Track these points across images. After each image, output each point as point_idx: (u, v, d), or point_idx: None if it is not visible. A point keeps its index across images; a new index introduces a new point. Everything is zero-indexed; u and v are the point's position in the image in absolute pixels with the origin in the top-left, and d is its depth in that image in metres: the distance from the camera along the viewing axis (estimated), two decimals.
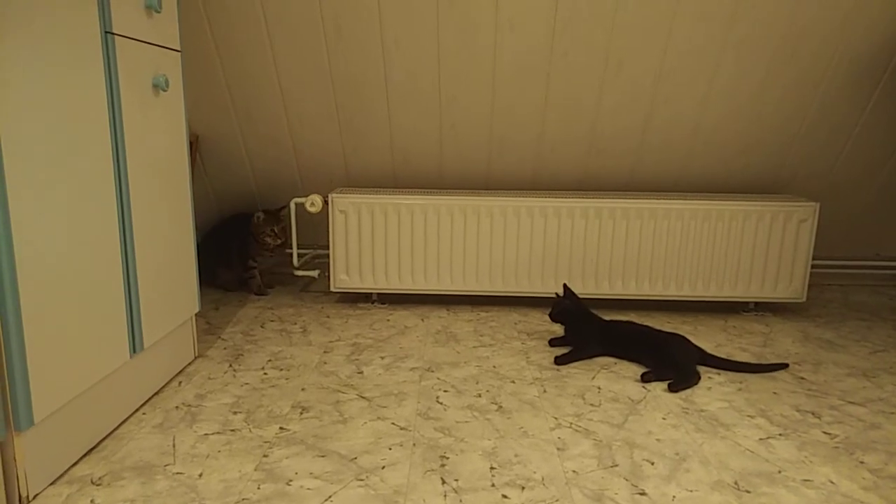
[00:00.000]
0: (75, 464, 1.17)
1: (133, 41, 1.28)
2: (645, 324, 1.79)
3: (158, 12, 1.37)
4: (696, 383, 1.55)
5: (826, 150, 2.21)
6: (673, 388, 1.51)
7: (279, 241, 2.25)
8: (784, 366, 1.67)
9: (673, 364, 1.59)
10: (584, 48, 1.93)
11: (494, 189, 2.33)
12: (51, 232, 1.06)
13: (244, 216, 2.34)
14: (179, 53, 1.49)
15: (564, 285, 1.86)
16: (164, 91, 1.42)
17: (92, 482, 1.12)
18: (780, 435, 1.31)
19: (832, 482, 1.14)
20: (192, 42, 1.97)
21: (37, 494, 1.07)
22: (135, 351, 1.34)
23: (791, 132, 2.15)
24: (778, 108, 2.08)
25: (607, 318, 1.85)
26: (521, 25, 1.88)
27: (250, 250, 2.28)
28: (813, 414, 1.41)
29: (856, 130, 2.14)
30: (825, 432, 1.33)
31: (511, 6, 1.84)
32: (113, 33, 1.21)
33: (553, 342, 1.82)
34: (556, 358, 1.68)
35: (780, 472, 1.17)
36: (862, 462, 1.21)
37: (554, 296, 1.88)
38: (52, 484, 1.11)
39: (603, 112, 2.09)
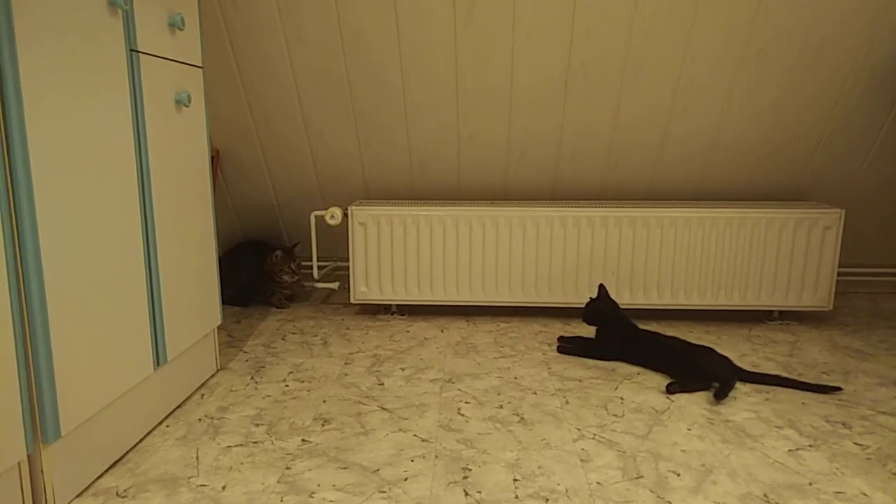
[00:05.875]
0: (101, 476, 1.18)
1: (157, 58, 1.31)
2: (669, 334, 1.77)
3: (181, 30, 1.39)
4: (730, 390, 1.52)
5: (850, 157, 2.17)
6: (718, 397, 1.48)
7: (296, 278, 2.27)
8: (837, 388, 1.55)
9: (700, 375, 1.57)
10: (602, 58, 1.92)
11: (513, 199, 2.32)
12: (77, 246, 1.08)
13: (252, 245, 2.37)
14: (201, 70, 1.51)
15: (600, 285, 1.84)
16: (187, 107, 1.44)
17: (117, 494, 1.12)
18: (809, 446, 1.28)
19: (865, 494, 1.11)
20: (212, 58, 2.00)
21: None
22: (158, 364, 1.35)
23: (814, 140, 2.12)
24: (800, 116, 2.06)
25: None
26: (539, 37, 1.88)
27: (262, 287, 2.29)
28: (843, 424, 1.38)
29: (880, 136, 2.10)
30: (856, 443, 1.30)
31: (529, 18, 1.84)
32: (138, 51, 1.23)
33: (562, 340, 1.85)
34: (559, 347, 1.78)
35: (811, 484, 1.14)
36: (895, 473, 1.18)
37: (578, 304, 1.88)
38: (78, 496, 1.12)
39: (621, 122, 2.08)
